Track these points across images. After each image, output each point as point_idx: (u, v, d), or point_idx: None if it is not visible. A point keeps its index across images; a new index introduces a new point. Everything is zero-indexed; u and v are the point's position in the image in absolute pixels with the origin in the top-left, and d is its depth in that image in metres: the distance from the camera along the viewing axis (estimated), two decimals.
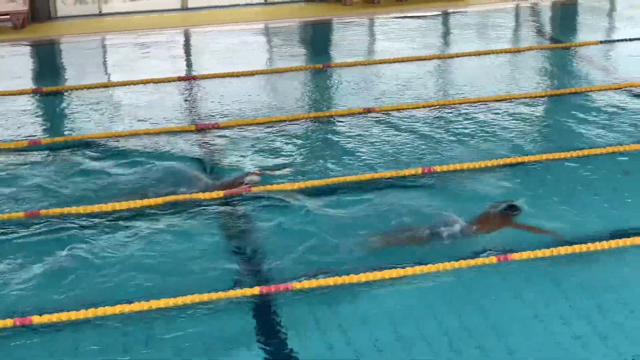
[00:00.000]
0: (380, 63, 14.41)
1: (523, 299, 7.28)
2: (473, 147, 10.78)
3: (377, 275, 7.53)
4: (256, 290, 7.39)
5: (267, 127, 11.44)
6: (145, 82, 13.42)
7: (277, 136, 11.14)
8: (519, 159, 10.24)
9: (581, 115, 11.93)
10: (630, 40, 15.29)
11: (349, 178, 9.65)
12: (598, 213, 8.90)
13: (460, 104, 12.33)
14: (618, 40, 15.47)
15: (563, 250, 7.92)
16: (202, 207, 9.01)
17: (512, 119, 11.82)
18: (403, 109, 12.14)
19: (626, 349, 6.65)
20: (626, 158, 10.29)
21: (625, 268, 7.83)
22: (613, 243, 8.05)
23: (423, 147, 10.76)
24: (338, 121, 11.75)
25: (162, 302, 7.17)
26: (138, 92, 13.06)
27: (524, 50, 15.08)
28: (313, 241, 8.17)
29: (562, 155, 10.31)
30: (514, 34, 16.79)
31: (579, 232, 8.34)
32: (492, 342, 6.70)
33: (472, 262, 7.75)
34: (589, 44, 15.19)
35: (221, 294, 7.30)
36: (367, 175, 9.72)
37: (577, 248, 7.97)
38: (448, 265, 7.71)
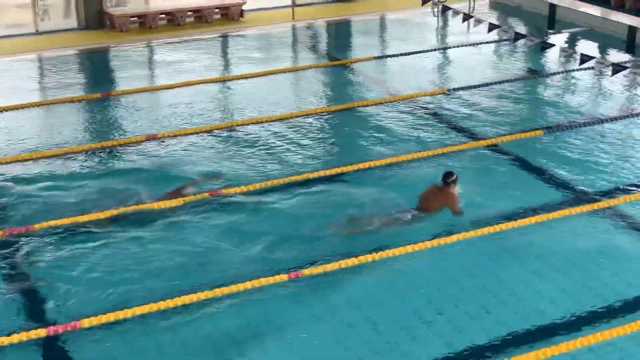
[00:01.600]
0: (161, 89, 14.24)
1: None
2: (258, 167, 11.01)
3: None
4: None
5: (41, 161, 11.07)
6: None
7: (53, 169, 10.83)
8: (305, 177, 10.63)
9: (365, 127, 12.48)
10: (403, 55, 15.98)
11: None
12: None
13: (244, 124, 12.49)
14: (391, 56, 16.12)
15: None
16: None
17: (298, 137, 12.09)
18: (189, 134, 12.11)
19: None
20: (394, 170, 10.77)
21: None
22: None
23: (206, 169, 10.90)
24: (117, 151, 11.58)
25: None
26: None
27: (304, 69, 15.40)
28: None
29: (367, 164, 10.94)
30: (293, 53, 17.09)
31: None
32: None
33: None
34: (364, 60, 15.73)
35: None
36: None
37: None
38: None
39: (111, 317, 7.75)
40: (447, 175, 9.68)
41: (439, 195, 9.65)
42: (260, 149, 11.62)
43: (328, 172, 10.80)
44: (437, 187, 9.75)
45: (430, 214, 9.53)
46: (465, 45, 16.56)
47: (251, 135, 12.13)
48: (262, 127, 12.45)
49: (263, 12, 19.32)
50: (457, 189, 9.69)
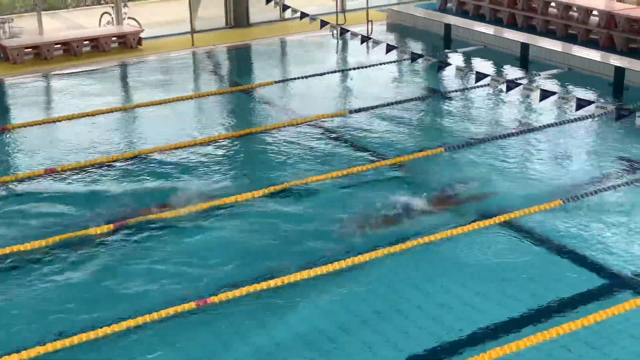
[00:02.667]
0: (59, 121, 13.92)
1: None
2: (162, 195, 10.89)
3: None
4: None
5: None
6: None
7: None
8: (212, 203, 10.51)
9: (268, 152, 12.51)
10: (303, 78, 16.06)
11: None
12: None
13: (147, 153, 12.34)
14: (292, 79, 16.19)
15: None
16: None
17: (200, 164, 12.00)
18: (89, 166, 11.88)
19: None
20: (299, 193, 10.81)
21: None
22: None
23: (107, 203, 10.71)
24: (13, 186, 11.30)
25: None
26: None
27: (205, 95, 15.30)
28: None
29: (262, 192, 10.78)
30: (195, 80, 16.98)
31: None
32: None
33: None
34: (265, 85, 15.75)
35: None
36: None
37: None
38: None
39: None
40: None
41: None
42: (163, 178, 11.47)
43: (227, 201, 10.71)
44: None
45: None
46: (365, 67, 16.77)
47: (154, 164, 11.97)
48: (166, 155, 12.31)
49: (161, 39, 19.16)
50: None
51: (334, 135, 13.19)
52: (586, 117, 13.12)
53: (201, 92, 15.55)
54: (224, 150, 12.66)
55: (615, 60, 15.71)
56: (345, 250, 9.45)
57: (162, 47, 18.50)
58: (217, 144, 12.81)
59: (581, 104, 11.70)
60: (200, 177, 11.49)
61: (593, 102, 11.80)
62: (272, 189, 11.02)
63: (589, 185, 11.05)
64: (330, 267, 9.03)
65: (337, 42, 18.54)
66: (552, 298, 8.54)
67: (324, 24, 16.25)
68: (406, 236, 9.74)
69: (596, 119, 13.04)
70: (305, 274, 8.87)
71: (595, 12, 17.89)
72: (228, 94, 15.58)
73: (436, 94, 15.35)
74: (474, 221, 10.09)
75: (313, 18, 16.56)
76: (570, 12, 18.39)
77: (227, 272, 9.05)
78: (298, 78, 16.15)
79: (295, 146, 12.68)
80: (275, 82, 15.94)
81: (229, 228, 10.09)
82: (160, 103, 14.77)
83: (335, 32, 16.47)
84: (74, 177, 11.56)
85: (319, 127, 13.48)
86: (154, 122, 13.99)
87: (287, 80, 16.27)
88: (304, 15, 16.77)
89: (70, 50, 17.77)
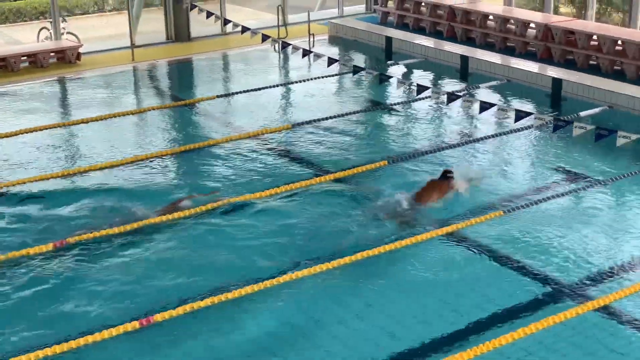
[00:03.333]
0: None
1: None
2: (105, 212, 10.75)
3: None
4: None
5: None
6: None
7: None
8: (153, 220, 10.41)
9: (212, 167, 12.43)
10: (246, 92, 16.03)
11: None
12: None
13: (89, 170, 12.18)
14: (234, 93, 16.15)
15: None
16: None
17: (141, 181, 11.88)
18: (26, 183, 11.68)
19: None
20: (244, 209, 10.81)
21: None
22: None
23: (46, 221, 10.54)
24: None
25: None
26: None
27: (146, 111, 15.17)
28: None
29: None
30: (135, 95, 16.83)
31: None
32: None
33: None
34: (208, 99, 15.67)
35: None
36: None
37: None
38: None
39: None
40: (446, 171, 11.17)
41: (434, 189, 10.96)
42: (107, 194, 11.32)
43: (169, 217, 10.61)
44: (435, 182, 11.09)
45: (427, 204, 10.77)
46: (307, 80, 16.80)
47: (94, 182, 11.80)
48: (106, 172, 12.17)
49: (101, 54, 18.95)
50: (454, 184, 11.04)
51: (277, 149, 13.17)
52: (525, 128, 13.32)
53: (142, 108, 15.41)
54: (166, 166, 12.56)
55: (553, 72, 16.00)
56: (287, 265, 9.43)
57: (101, 62, 18.30)
58: (159, 160, 12.69)
59: (520, 115, 11.88)
60: (142, 194, 11.35)
61: (531, 113, 11.98)
62: (214, 204, 10.94)
63: (529, 196, 11.21)
64: (274, 281, 8.99)
65: (279, 55, 18.55)
66: (494, 308, 8.62)
67: (265, 37, 16.25)
68: (350, 249, 9.74)
69: (535, 129, 13.23)
70: (248, 289, 8.82)
71: (532, 25, 18.20)
72: (170, 109, 15.46)
73: (378, 106, 15.44)
74: (417, 233, 10.15)
75: (254, 32, 16.56)
76: (508, 25, 18.69)
77: (168, 289, 8.96)
78: (240, 92, 16.11)
79: (238, 161, 12.62)
80: (218, 96, 15.87)
81: (170, 245, 9.99)
82: (100, 119, 14.58)
83: (276, 45, 16.48)
84: (12, 195, 11.36)
85: (262, 141, 13.45)
86: (93, 139, 13.78)
87: (230, 94, 16.22)
88: (245, 29, 16.76)
89: (7, 66, 17.47)
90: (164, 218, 10.49)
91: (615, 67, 16.46)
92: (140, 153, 12.90)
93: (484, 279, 9.30)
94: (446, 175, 11.21)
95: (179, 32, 20.04)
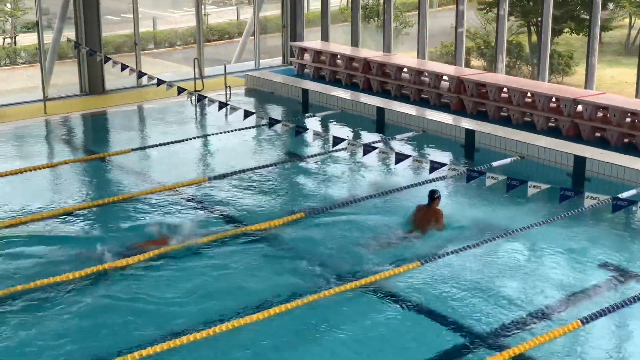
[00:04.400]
0: None
1: None
2: (16, 268, 10.38)
3: None
4: None
5: None
6: None
7: None
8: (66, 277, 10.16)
9: (125, 221, 12.19)
10: (161, 145, 15.86)
11: None
12: None
13: None
14: (150, 147, 15.96)
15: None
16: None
17: (54, 236, 11.60)
18: None
19: None
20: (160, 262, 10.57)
21: None
22: None
23: None
24: None
25: None
26: None
27: (59, 165, 14.84)
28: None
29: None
30: (48, 149, 16.49)
31: None
32: None
33: None
34: (123, 153, 15.45)
35: None
36: None
37: None
38: None
39: None
40: (433, 192, 11.84)
41: (428, 213, 11.70)
42: (19, 250, 11.03)
43: (89, 271, 10.40)
44: (424, 206, 11.82)
45: (425, 230, 11.54)
46: (224, 133, 16.73)
47: (5, 239, 11.46)
48: (15, 229, 11.83)
49: (12, 107, 18.55)
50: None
51: (193, 202, 13.02)
52: (440, 179, 13.48)
53: (54, 162, 15.08)
54: (79, 221, 12.26)
55: (466, 123, 16.32)
56: (208, 318, 9.28)
57: (12, 115, 17.91)
58: (71, 214, 12.41)
59: (434, 166, 12.03)
60: (53, 250, 11.05)
61: (445, 164, 12.15)
62: (130, 260, 10.72)
63: (445, 247, 11.31)
64: (197, 335, 8.83)
65: (195, 108, 18.46)
66: (411, 357, 8.61)
67: (181, 90, 16.17)
68: (264, 302, 9.66)
69: (449, 180, 13.41)
70: (171, 344, 8.64)
71: (445, 77, 18.59)
72: (83, 163, 15.17)
73: (295, 158, 15.46)
74: (334, 285, 10.12)
75: (170, 84, 16.45)
76: (422, 77, 19.05)
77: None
78: (156, 145, 15.93)
79: (154, 215, 12.43)
80: (133, 149, 15.66)
81: (83, 301, 9.74)
82: (10, 174, 14.20)
83: (193, 98, 16.40)
84: None
85: (179, 195, 13.29)
86: (3, 194, 13.40)
87: (145, 147, 16.02)
88: (160, 81, 16.64)
89: None
90: (79, 273, 10.25)
91: (526, 119, 16.89)
92: (51, 208, 12.59)
93: (401, 328, 9.30)
94: (433, 197, 11.85)
95: (93, 84, 19.79)
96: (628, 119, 15.40)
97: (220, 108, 15.55)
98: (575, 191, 11.27)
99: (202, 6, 23.54)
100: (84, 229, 12.02)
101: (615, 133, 15.29)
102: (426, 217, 11.75)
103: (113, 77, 19.81)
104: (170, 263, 10.82)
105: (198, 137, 16.77)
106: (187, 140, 16.28)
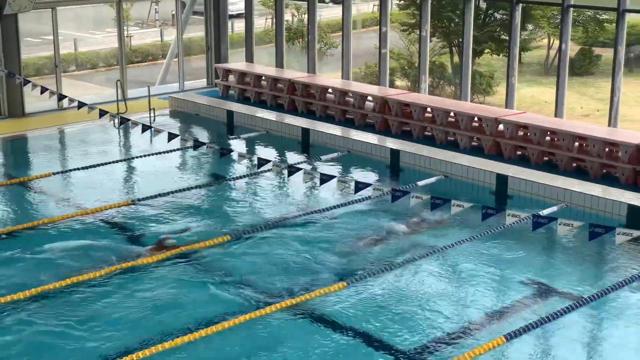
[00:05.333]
0: None
1: None
2: None
3: None
4: None
5: None
6: None
7: None
8: None
9: (47, 247, 11.92)
10: (84, 168, 15.58)
11: None
12: None
13: None
14: (71, 170, 15.66)
15: None
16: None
17: None
18: None
19: None
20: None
21: None
22: None
23: None
24: None
25: None
26: None
27: None
28: None
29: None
30: None
31: None
32: None
33: None
34: (43, 177, 15.11)
35: None
36: None
37: None
38: None
39: None
40: None
41: None
42: None
43: (16, 296, 10.19)
44: None
45: None
46: (147, 155, 16.53)
47: None
48: None
49: None
50: None
51: (116, 226, 12.80)
52: (364, 199, 13.53)
53: None
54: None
55: (391, 143, 16.45)
56: (131, 345, 9.10)
57: None
58: None
59: (359, 186, 12.07)
60: None
61: (370, 184, 12.20)
62: (51, 286, 10.47)
63: (369, 266, 11.34)
64: None
65: (119, 131, 18.20)
66: None
67: (103, 113, 15.91)
68: (189, 326, 9.56)
69: (374, 200, 13.47)
70: None
71: (370, 98, 18.72)
72: (2, 187, 14.78)
73: (220, 180, 15.35)
74: (261, 307, 10.05)
75: (92, 107, 16.17)
76: (347, 98, 19.15)
77: None
78: (78, 169, 15.63)
79: (76, 240, 12.18)
80: (54, 173, 15.33)
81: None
82: None
83: (115, 121, 16.15)
84: None
85: (101, 219, 13.05)
86: None
87: (67, 171, 15.71)
88: (81, 104, 16.35)
89: None
90: None
91: (449, 138, 17.11)
92: None
93: (329, 350, 9.26)
94: None
95: (12, 107, 19.36)
96: (548, 138, 15.73)
97: (143, 130, 15.36)
98: (497, 209, 11.44)
99: (125, 27, 23.28)
100: (5, 255, 11.71)
101: (536, 151, 15.60)
102: None
103: (33, 99, 19.38)
104: (90, 290, 10.60)
105: (121, 161, 16.52)
106: (110, 163, 16.02)
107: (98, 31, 32.15)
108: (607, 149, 14.85)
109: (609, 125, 16.01)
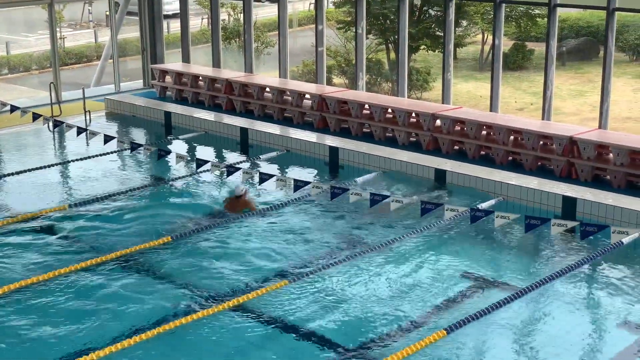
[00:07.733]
0: None
1: None
2: None
3: None
4: None
5: None
6: None
7: None
8: None
9: None
10: (16, 173, 15.27)
11: None
12: None
13: None
14: (3, 176, 15.33)
15: None
16: None
17: None
18: None
19: None
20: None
21: None
22: None
23: None
24: None
25: None
26: None
27: None
28: None
29: None
30: None
31: None
32: None
33: None
34: None
35: None
36: None
37: None
38: None
39: None
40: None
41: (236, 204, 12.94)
42: None
43: None
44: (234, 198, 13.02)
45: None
46: (83, 159, 16.26)
47: None
48: None
49: None
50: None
51: (52, 232, 12.58)
52: (304, 197, 13.53)
53: None
54: None
55: (329, 141, 16.48)
56: (75, 348, 9.00)
57: None
58: None
59: (298, 185, 12.07)
60: None
61: (309, 182, 12.21)
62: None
63: (310, 265, 11.35)
64: None
65: (53, 134, 17.87)
66: None
67: (36, 116, 15.63)
68: (131, 329, 9.50)
69: (314, 198, 13.47)
70: None
71: (307, 96, 18.73)
72: None
73: (159, 182, 15.20)
74: (203, 308, 10.00)
75: (24, 111, 15.88)
76: (285, 97, 19.13)
77: None
78: (11, 174, 15.30)
79: (10, 247, 11.94)
80: None
81: None
82: None
83: (49, 124, 15.87)
84: None
85: (37, 224, 12.81)
86: None
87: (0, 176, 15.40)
88: (14, 108, 16.04)
89: None
90: None
91: (388, 134, 17.21)
92: None
93: (268, 348, 9.26)
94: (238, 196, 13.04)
95: None
96: (484, 132, 15.94)
97: (79, 133, 15.13)
98: (435, 204, 11.54)
99: (57, 29, 22.90)
100: None
101: (473, 146, 15.79)
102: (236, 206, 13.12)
103: None
104: (31, 295, 10.41)
105: (56, 165, 16.22)
106: (44, 167, 15.72)
107: (30, 33, 31.60)
108: (541, 142, 15.11)
109: (543, 118, 16.29)
